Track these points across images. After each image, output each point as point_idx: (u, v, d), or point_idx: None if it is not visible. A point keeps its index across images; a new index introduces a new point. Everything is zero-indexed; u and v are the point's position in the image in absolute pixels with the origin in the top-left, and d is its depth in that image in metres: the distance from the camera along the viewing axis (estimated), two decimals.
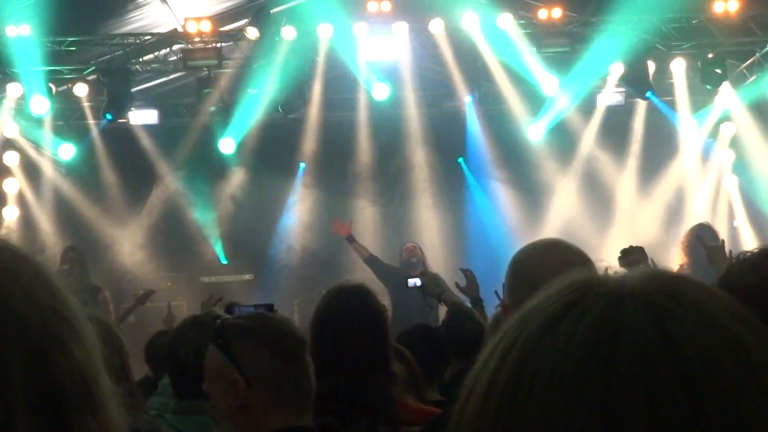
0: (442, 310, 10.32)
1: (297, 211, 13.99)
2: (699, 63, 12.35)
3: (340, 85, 13.04)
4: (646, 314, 0.79)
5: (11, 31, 11.30)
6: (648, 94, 12.31)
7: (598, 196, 13.48)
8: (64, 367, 0.98)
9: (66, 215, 13.17)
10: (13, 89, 11.98)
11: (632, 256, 6.05)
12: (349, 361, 3.21)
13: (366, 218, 13.62)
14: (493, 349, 0.85)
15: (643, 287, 0.82)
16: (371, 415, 3.16)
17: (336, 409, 3.12)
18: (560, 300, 0.84)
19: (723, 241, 6.54)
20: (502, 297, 6.95)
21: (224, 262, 13.72)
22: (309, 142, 13.50)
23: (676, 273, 0.88)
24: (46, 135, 13.01)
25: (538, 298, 0.86)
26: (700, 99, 13.02)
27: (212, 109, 12.80)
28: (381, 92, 12.48)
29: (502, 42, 12.07)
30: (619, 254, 6.17)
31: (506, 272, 2.45)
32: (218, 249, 13.81)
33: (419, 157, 13.76)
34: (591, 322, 0.80)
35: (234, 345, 2.59)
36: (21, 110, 12.45)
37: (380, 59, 12.33)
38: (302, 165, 13.91)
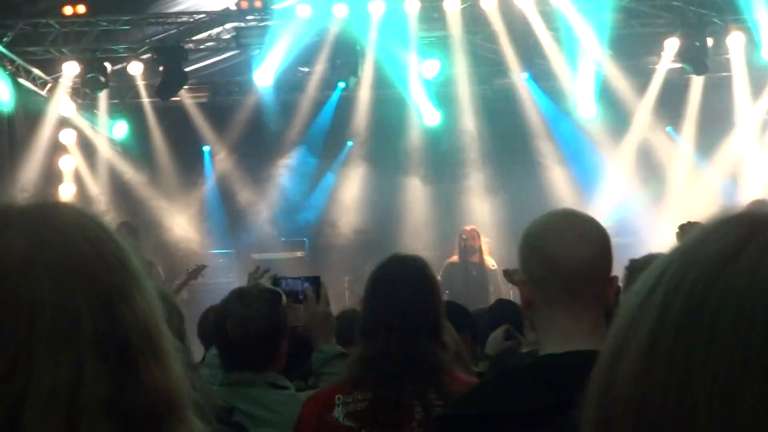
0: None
1: (347, 189, 14.01)
2: (757, 38, 12.09)
3: (392, 62, 13.00)
4: None
5: (68, 11, 11.46)
6: (701, 69, 12.06)
7: (651, 172, 13.30)
8: (129, 317, 1.04)
9: (120, 192, 13.36)
10: (70, 68, 12.17)
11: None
12: (400, 323, 3.19)
13: (416, 197, 13.59)
14: (647, 295, 0.77)
15: None
16: (421, 380, 3.15)
17: (387, 371, 3.10)
18: (729, 235, 0.75)
19: None
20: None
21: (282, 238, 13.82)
22: (360, 120, 13.51)
23: None
24: (102, 113, 13.20)
25: (693, 238, 0.78)
26: (758, 75, 12.76)
27: (264, 86, 12.85)
28: (431, 69, 12.42)
29: (555, 18, 11.94)
30: (677, 230, 6.06)
31: (519, 245, 2.39)
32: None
33: (470, 135, 13.67)
34: None
35: None
36: (77, 89, 12.64)
37: (431, 35, 12.27)
38: (350, 143, 13.92)
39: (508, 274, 7.06)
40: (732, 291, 0.72)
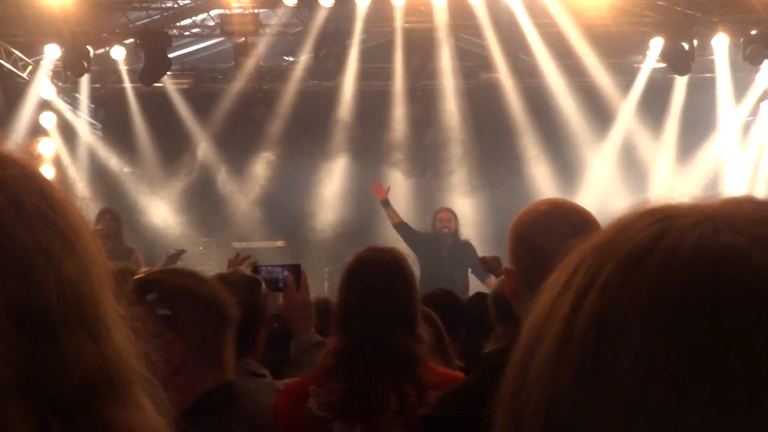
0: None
1: (329, 180, 13.97)
2: (741, 39, 12.13)
3: (376, 54, 12.97)
4: (751, 246, 0.68)
5: None
6: (684, 70, 12.10)
7: (634, 171, 13.33)
8: (52, 281, 0.89)
9: (101, 177, 13.27)
10: (51, 51, 12.05)
11: None
12: (374, 315, 3.19)
13: (398, 190, 13.58)
14: (560, 293, 0.74)
15: (736, 215, 0.72)
16: (396, 371, 3.14)
17: (360, 363, 3.10)
18: (641, 233, 0.72)
19: None
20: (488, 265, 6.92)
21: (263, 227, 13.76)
22: (343, 112, 13.47)
23: (755, 197, 0.77)
24: (83, 97, 13.10)
25: (609, 233, 0.75)
26: (742, 76, 12.81)
27: (248, 75, 12.79)
28: (417, 62, 12.40)
29: (541, 14, 11.93)
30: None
31: (507, 236, 2.37)
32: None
33: (454, 129, 13.66)
34: (686, 256, 0.69)
35: (171, 304, 2.42)
36: (58, 72, 12.53)
37: (416, 28, 12.24)
38: (331, 134, 13.87)
39: (484, 262, 7.06)
40: (642, 291, 0.69)
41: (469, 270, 10.28)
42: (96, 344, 0.91)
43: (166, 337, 2.37)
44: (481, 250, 10.70)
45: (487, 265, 7.06)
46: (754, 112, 13.22)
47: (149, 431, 0.95)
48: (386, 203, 10.68)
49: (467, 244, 10.48)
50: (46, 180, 0.95)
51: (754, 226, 0.70)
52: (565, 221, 2.24)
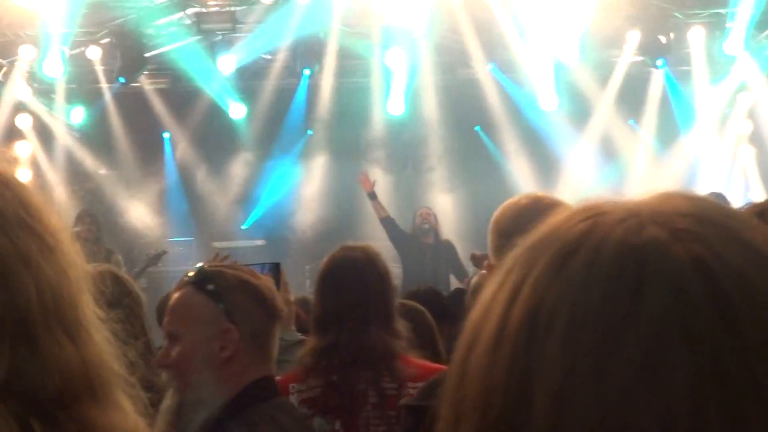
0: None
1: (308, 177, 13.95)
2: (717, 32, 12.19)
3: (355, 51, 12.95)
4: (672, 238, 0.73)
5: None
6: (660, 63, 12.16)
7: (613, 165, 13.39)
8: (30, 285, 0.91)
9: (78, 179, 13.19)
10: (26, 51, 11.96)
11: None
12: (351, 314, 3.23)
13: (378, 186, 13.56)
14: (496, 291, 0.78)
15: (662, 210, 0.76)
16: (373, 367, 3.18)
17: (338, 361, 3.14)
18: (571, 230, 0.76)
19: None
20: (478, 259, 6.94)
21: (244, 226, 13.73)
22: (322, 108, 13.44)
23: (691, 193, 0.82)
24: (59, 98, 13.00)
25: (542, 231, 0.79)
26: (718, 68, 12.88)
27: (226, 74, 12.74)
28: (393, 58, 12.39)
29: (520, 9, 11.94)
30: None
31: (489, 231, 2.39)
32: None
33: (434, 125, 13.67)
34: (612, 250, 0.72)
35: (230, 295, 2.56)
36: (34, 73, 12.43)
37: (396, 25, 12.22)
38: (310, 132, 13.86)
39: (474, 258, 7.08)
40: (570, 285, 0.72)
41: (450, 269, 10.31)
42: (75, 346, 0.93)
43: (222, 327, 2.52)
44: (461, 246, 10.73)
45: (478, 261, 7.06)
46: (731, 104, 13.29)
47: (129, 429, 0.97)
48: (373, 196, 10.65)
49: (448, 244, 10.51)
50: (23, 185, 0.97)
51: (678, 220, 0.74)
52: (546, 215, 2.23)
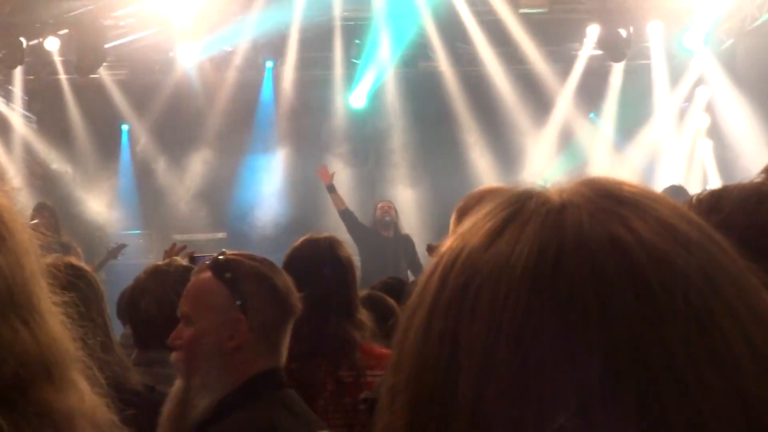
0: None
1: (270, 170, 13.90)
2: (676, 26, 12.31)
3: (316, 43, 12.92)
4: (590, 218, 0.77)
5: None
6: (619, 57, 12.26)
7: (572, 157, 13.48)
8: None
9: (36, 171, 13.03)
10: None
11: None
12: (312, 303, 3.23)
13: (340, 179, 13.55)
14: (431, 273, 0.82)
15: (583, 192, 0.80)
16: (332, 359, 3.19)
17: (297, 351, 3.14)
18: (499, 214, 0.81)
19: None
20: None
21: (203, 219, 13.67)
22: (284, 100, 13.40)
23: (615, 177, 0.85)
24: (17, 89, 12.84)
25: (475, 217, 0.83)
26: (676, 62, 13.01)
27: (187, 66, 12.66)
28: (356, 51, 12.40)
29: (479, 1, 11.99)
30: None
31: (451, 220, 2.44)
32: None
33: (395, 118, 13.68)
34: (534, 230, 0.77)
35: (245, 286, 2.58)
36: None
37: (356, 17, 12.22)
38: (271, 124, 13.80)
39: (430, 249, 7.10)
40: (493, 268, 0.76)
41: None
42: (30, 331, 0.94)
43: (232, 316, 2.54)
44: (423, 239, 10.74)
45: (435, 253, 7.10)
46: (689, 98, 13.43)
47: (87, 410, 0.99)
48: (332, 188, 10.60)
49: (407, 238, 10.53)
50: None
51: (597, 200, 0.79)
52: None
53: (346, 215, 10.44)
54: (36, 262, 0.99)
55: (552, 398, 0.71)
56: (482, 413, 0.73)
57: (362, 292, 3.79)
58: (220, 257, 2.67)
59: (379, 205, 10.72)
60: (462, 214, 2.43)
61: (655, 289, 0.73)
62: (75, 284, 3.32)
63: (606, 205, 0.78)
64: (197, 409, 2.56)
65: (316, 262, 3.35)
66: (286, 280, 2.68)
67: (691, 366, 0.71)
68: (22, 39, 11.78)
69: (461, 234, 0.82)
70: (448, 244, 0.83)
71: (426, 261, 9.04)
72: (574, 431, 0.70)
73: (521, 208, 0.80)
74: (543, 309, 0.73)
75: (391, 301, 4.09)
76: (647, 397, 0.71)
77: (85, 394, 1.00)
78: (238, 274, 2.60)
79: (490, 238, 0.78)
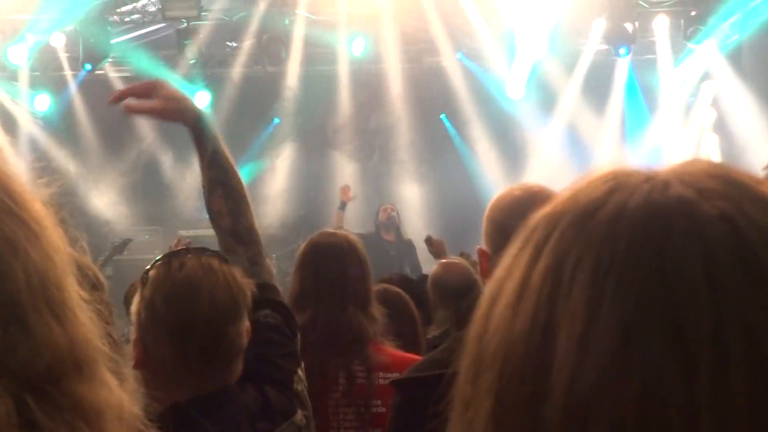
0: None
1: (275, 166, 13.91)
2: (682, 21, 12.29)
3: (321, 39, 12.92)
4: (698, 194, 0.74)
5: None
6: (624, 51, 12.24)
7: (578, 153, 13.46)
8: (19, 270, 0.95)
9: (43, 167, 13.04)
10: None
11: None
12: (328, 294, 3.25)
13: (345, 174, 13.56)
14: (519, 250, 0.79)
15: (687, 171, 0.77)
16: (346, 351, 3.19)
17: (312, 340, 3.13)
18: (596, 189, 0.77)
19: None
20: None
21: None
22: (288, 97, 13.39)
23: (710, 159, 0.83)
24: (23, 86, 12.86)
25: (563, 195, 0.80)
26: (682, 57, 12.98)
27: (191, 61, 12.66)
28: (359, 46, 12.39)
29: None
30: None
31: (484, 218, 2.47)
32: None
33: (400, 113, 13.67)
34: (638, 205, 0.74)
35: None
36: None
37: (361, 12, 12.21)
38: (276, 120, 13.81)
39: (430, 243, 7.14)
40: (593, 241, 0.74)
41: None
42: (62, 326, 0.97)
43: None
44: (428, 233, 10.76)
45: (433, 247, 7.13)
46: (695, 93, 13.41)
47: (114, 404, 1.02)
48: (343, 206, 10.69)
49: (409, 243, 10.58)
50: (6, 174, 1.01)
51: (704, 180, 0.75)
52: (536, 205, 2.29)
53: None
54: (66, 258, 1.01)
55: (656, 377, 0.69)
56: (580, 390, 0.71)
57: (376, 286, 3.79)
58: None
59: (382, 208, 10.80)
60: (494, 215, 2.46)
61: (766, 269, 0.70)
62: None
63: (712, 184, 0.75)
64: None
65: (333, 252, 3.37)
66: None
67: None
68: (28, 35, 11.77)
69: (550, 213, 0.80)
70: (536, 220, 0.81)
71: (426, 261, 9.06)
72: (678, 412, 0.68)
73: (623, 183, 0.77)
74: (649, 283, 0.71)
75: (406, 296, 4.07)
76: (757, 385, 0.68)
77: (112, 388, 1.03)
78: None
79: (587, 212, 0.76)
